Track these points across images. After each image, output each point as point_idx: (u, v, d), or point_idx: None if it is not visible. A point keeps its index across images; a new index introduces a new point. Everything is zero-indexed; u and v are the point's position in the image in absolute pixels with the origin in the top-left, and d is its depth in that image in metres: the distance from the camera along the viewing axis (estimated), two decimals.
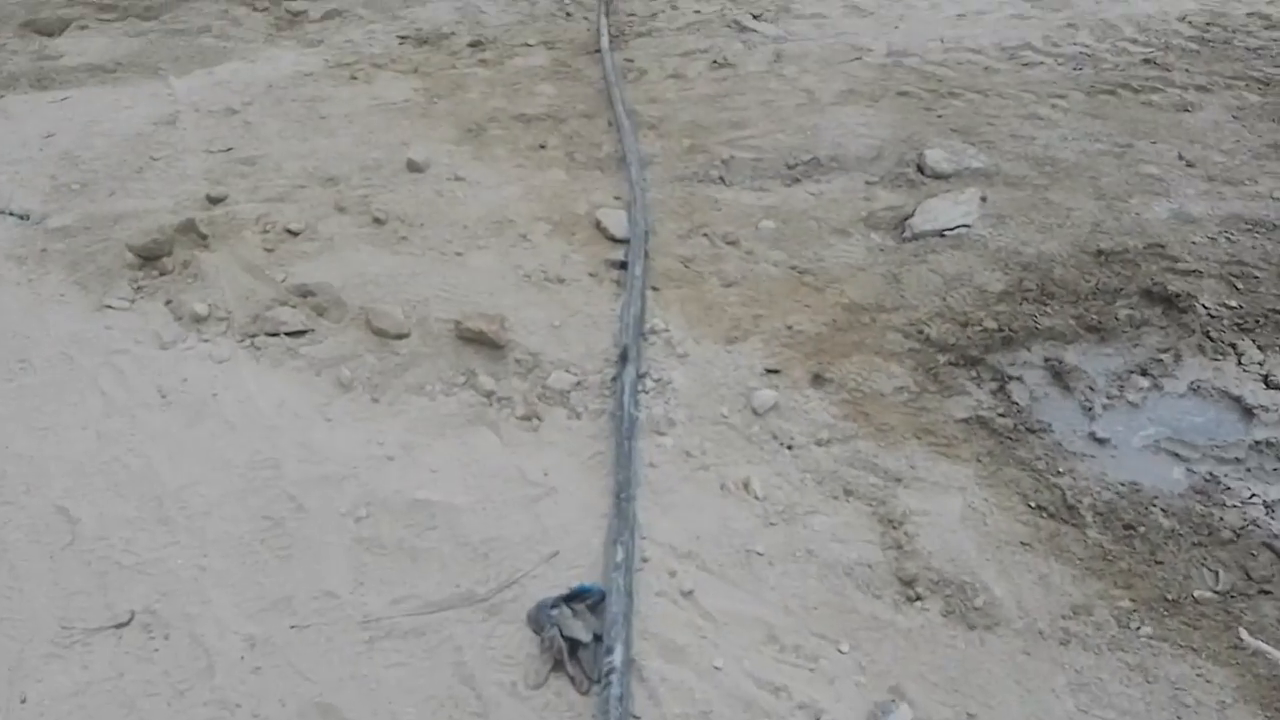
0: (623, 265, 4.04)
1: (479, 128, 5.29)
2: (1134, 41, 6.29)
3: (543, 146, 5.11)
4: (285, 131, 5.18)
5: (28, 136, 5.19)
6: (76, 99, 5.60)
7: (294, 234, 4.10)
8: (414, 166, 4.77)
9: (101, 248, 4.13)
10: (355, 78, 5.83)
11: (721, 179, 4.80)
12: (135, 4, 6.94)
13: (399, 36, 6.55)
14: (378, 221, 4.20)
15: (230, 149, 4.98)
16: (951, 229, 4.29)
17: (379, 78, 5.88)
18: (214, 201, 4.44)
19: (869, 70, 5.92)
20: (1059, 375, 3.50)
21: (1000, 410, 3.33)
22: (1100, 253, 4.12)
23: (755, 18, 6.74)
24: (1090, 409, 3.37)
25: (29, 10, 6.82)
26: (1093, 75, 5.79)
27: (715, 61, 6.07)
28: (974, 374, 3.49)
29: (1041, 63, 5.99)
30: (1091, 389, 3.45)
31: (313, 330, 3.64)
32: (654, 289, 3.93)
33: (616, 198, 4.58)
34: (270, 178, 4.70)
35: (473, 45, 6.45)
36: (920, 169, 4.80)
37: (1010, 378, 3.47)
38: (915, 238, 4.29)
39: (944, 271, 4.03)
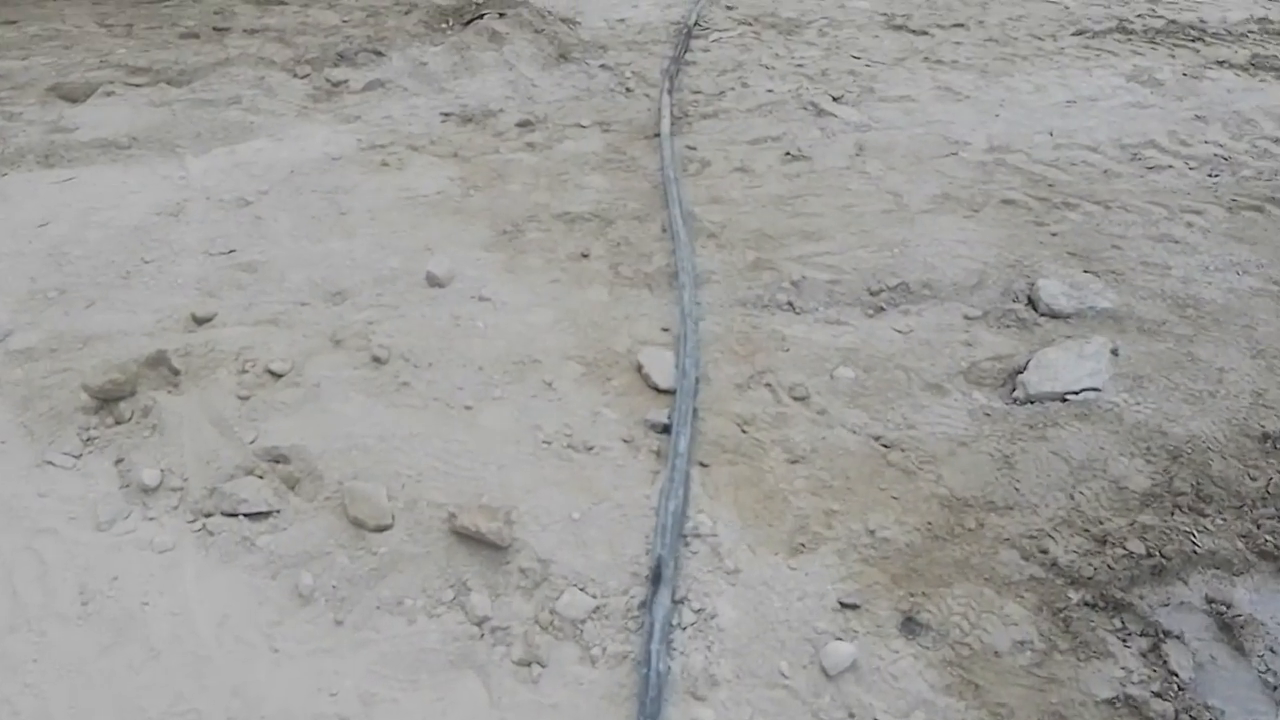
0: (666, 429, 3.24)
1: (515, 229, 4.55)
2: (1277, 141, 5.34)
3: (585, 255, 4.34)
4: (298, 230, 4.49)
5: (20, 224, 4.58)
6: (82, 180, 4.99)
7: (276, 375, 3.38)
8: (434, 280, 4.03)
9: (60, 380, 3.45)
10: (386, 164, 5.14)
11: (791, 305, 3.99)
12: (168, 68, 6.38)
13: (442, 114, 5.87)
14: (377, 361, 3.46)
15: (233, 251, 4.30)
16: (1076, 393, 3.41)
17: (413, 163, 5.19)
18: (199, 321, 3.75)
19: (966, 169, 5.06)
20: (1228, 628, 2.60)
21: (1155, 686, 2.44)
22: (1266, 437, 3.21)
23: (835, 100, 5.93)
24: (1275, 685, 2.46)
25: (59, 73, 6.30)
26: (1232, 184, 4.86)
27: (788, 153, 5.26)
28: (1118, 624, 2.60)
29: (1169, 166, 5.07)
30: (1273, 651, 2.54)
31: (278, 512, 2.89)
32: (702, 464, 3.11)
33: (664, 329, 3.79)
34: (269, 291, 4.00)
35: (521, 125, 5.74)
36: (1032, 304, 3.93)
37: (1166, 633, 2.57)
38: (1030, 400, 3.42)
39: (1070, 455, 3.15)
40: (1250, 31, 7.17)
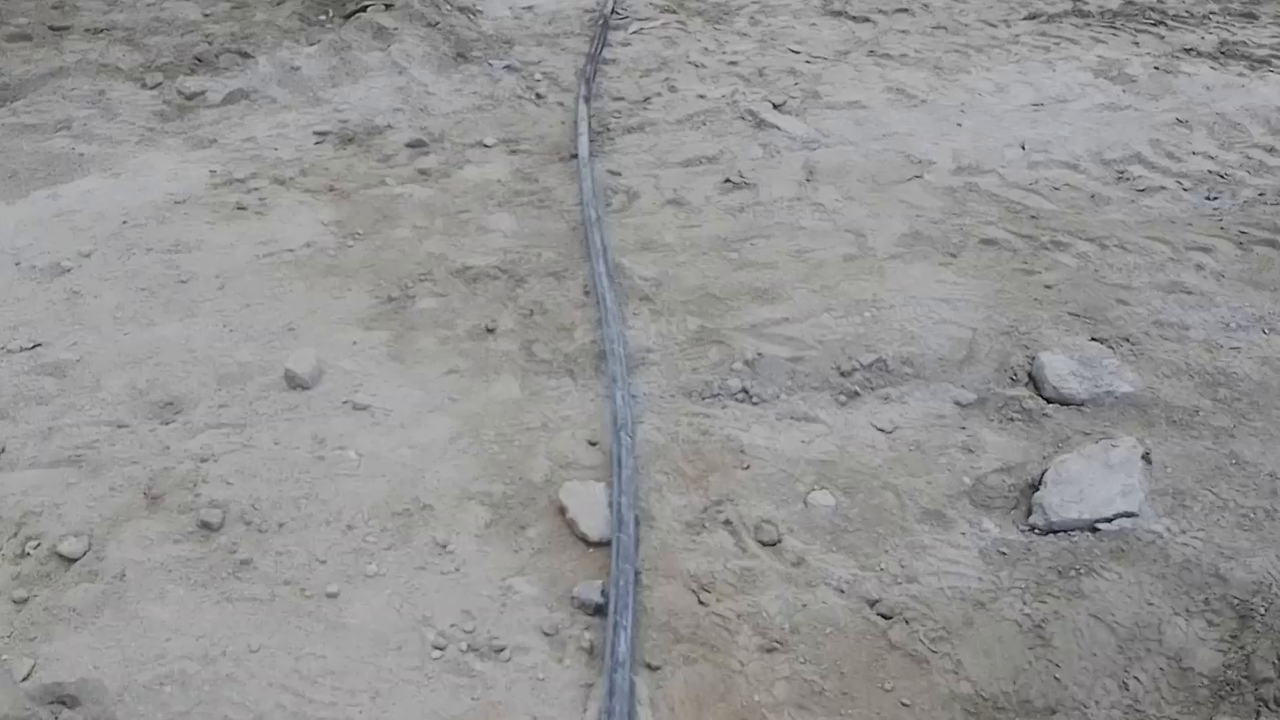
0: (599, 610, 2.42)
1: (404, 293, 3.65)
2: (1271, 151, 4.68)
3: (490, 330, 3.48)
4: (124, 308, 3.53)
5: None
6: None
7: (67, 562, 2.46)
8: (295, 381, 3.13)
9: None
10: (243, 207, 4.17)
11: (746, 393, 3.19)
12: None
13: (317, 133, 4.88)
14: (207, 528, 2.56)
15: (37, 345, 3.33)
16: (1109, 519, 2.68)
17: (277, 203, 4.22)
18: None
19: (935, 197, 4.28)
20: None
21: None
22: None
23: (776, 107, 5.09)
24: None
25: None
26: (1236, 211, 4.18)
27: (728, 180, 4.42)
28: None
29: (1161, 187, 4.37)
30: None
31: None
32: (649, 667, 2.31)
33: (592, 442, 2.95)
34: (78, 405, 3.05)
35: (413, 146, 4.79)
36: (1035, 384, 3.19)
37: None
38: (1052, 530, 2.68)
39: (1114, 618, 2.43)
40: (1212, 13, 6.51)
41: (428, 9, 6.09)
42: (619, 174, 4.54)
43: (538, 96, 5.35)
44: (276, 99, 5.25)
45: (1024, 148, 4.66)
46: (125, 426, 2.97)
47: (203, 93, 5.27)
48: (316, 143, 4.82)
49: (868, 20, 6.40)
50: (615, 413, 2.99)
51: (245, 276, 3.73)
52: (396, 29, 5.82)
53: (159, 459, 2.81)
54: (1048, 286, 3.65)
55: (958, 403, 3.14)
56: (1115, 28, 6.28)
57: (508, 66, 5.61)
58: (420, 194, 4.37)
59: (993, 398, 3.14)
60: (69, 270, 3.73)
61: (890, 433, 3.02)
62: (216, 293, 3.63)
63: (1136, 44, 6.03)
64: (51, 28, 6.02)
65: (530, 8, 6.51)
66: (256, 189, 4.35)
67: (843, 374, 3.24)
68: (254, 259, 3.83)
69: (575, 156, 4.66)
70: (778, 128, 4.89)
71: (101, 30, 5.96)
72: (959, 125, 4.90)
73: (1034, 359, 3.26)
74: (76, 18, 6.14)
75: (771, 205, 4.23)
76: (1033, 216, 4.12)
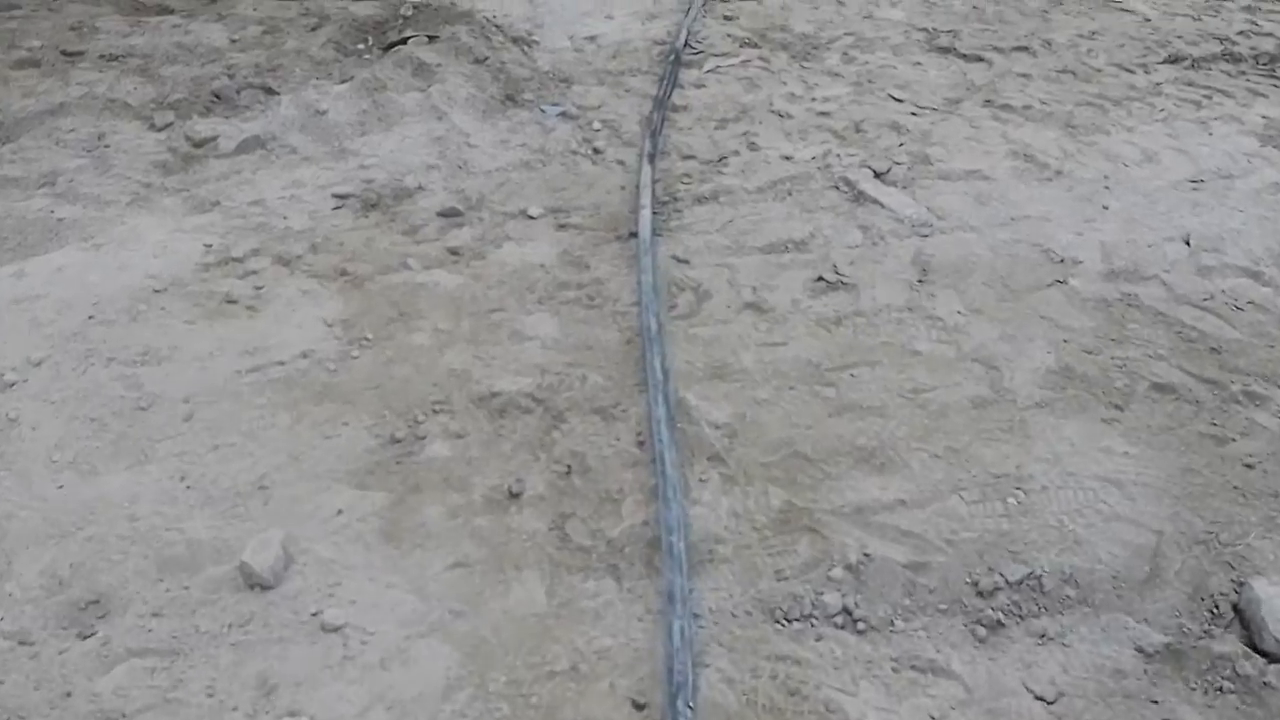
0: None
1: (412, 431, 2.86)
2: None
3: (514, 495, 2.66)
4: (65, 449, 2.78)
5: None
6: None
7: None
8: (252, 579, 2.34)
9: None
10: (233, 300, 3.41)
11: (849, 615, 2.33)
12: None
13: (336, 195, 4.10)
14: None
15: None
16: None
17: (276, 295, 3.45)
18: None
19: (1083, 313, 3.36)
20: None
21: None
22: None
23: (878, 176, 4.18)
24: None
25: None
26: None
27: (821, 277, 3.54)
28: None
29: None
30: None
31: None
32: None
33: (638, 706, 2.11)
34: None
35: (445, 215, 3.99)
36: (1247, 625, 2.27)
37: None
38: None
39: None
40: None
41: (477, 41, 5.27)
42: (686, 261, 3.68)
43: (595, 151, 4.50)
44: (297, 149, 4.48)
45: (1189, 243, 3.69)
46: (28, 644, 2.21)
47: (214, 139, 4.52)
48: (335, 208, 4.04)
49: (981, 59, 5.43)
50: (671, 657, 2.14)
51: (220, 402, 2.95)
52: (440, 66, 5.02)
53: (55, 713, 2.03)
54: (1248, 465, 2.71)
55: (1141, 650, 2.25)
56: (1276, 77, 5.23)
57: (563, 114, 4.77)
58: (448, 282, 3.56)
59: (1191, 651, 2.23)
60: (11, 385, 2.99)
61: (1053, 703, 2.14)
62: (181, 426, 2.86)
63: None
64: (64, 53, 5.34)
65: (593, 38, 5.66)
66: (254, 272, 3.58)
67: (981, 594, 2.36)
68: (234, 375, 3.05)
69: (635, 235, 3.82)
70: (880, 204, 3.98)
71: (116, 57, 5.26)
72: (1105, 208, 3.94)
73: (1242, 586, 2.34)
74: (93, 41, 5.45)
75: (875, 316, 3.34)
76: (1214, 349, 3.17)
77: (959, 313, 3.34)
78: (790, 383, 3.04)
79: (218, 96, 4.91)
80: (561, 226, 3.93)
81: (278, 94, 4.90)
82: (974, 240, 3.74)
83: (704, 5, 6.08)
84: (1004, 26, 5.89)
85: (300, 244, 3.78)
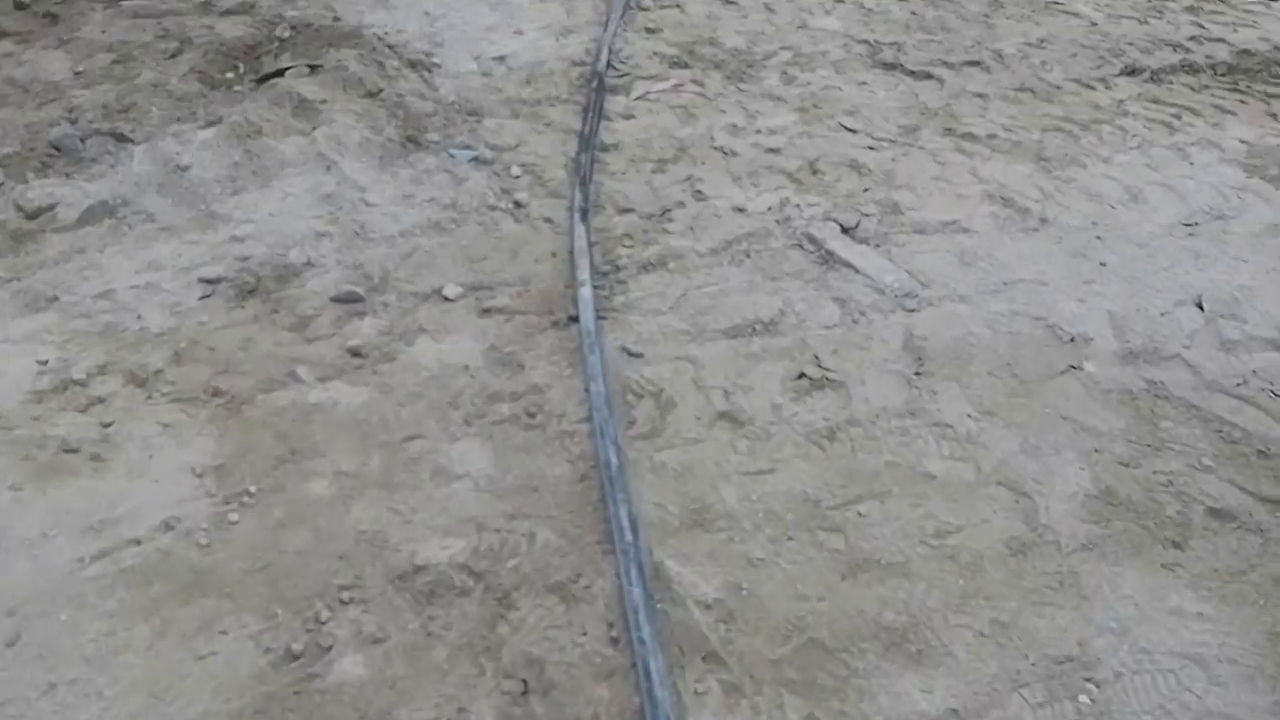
0: None
1: (313, 640, 2.18)
2: None
3: None
4: None
5: None
6: None
7: None
8: None
9: None
10: (73, 449, 2.63)
11: None
12: None
13: (204, 280, 3.32)
14: None
15: None
16: None
17: (129, 436, 2.69)
18: None
19: (1108, 409, 2.84)
20: None
21: None
22: None
23: (845, 231, 3.60)
24: None
25: None
26: None
27: (803, 374, 2.94)
28: None
29: None
30: None
31: None
32: None
33: None
34: None
35: (341, 300, 3.26)
36: None
37: None
38: None
39: None
40: None
41: (368, 69, 4.49)
42: (640, 355, 3.04)
43: (517, 205, 3.81)
44: (154, 216, 3.66)
45: (1202, 307, 3.22)
46: None
47: (52, 207, 3.67)
48: (203, 297, 3.26)
49: (931, 76, 4.89)
50: None
51: (56, 612, 2.20)
52: (325, 102, 4.23)
53: None
54: None
55: None
56: (1240, 90, 4.84)
57: (475, 158, 4.04)
58: (349, 400, 2.84)
59: None
60: None
61: None
62: (4, 656, 2.09)
63: (1275, 115, 4.59)
64: None
65: (502, 59, 4.92)
66: (101, 400, 2.80)
67: None
68: (75, 568, 2.30)
69: (575, 320, 3.15)
70: (854, 268, 3.40)
71: None
72: (1102, 265, 3.44)
73: None
74: None
75: (873, 425, 2.76)
76: (1261, 453, 2.69)
77: (969, 416, 2.78)
78: (787, 529, 2.44)
79: (57, 148, 4.03)
80: (486, 311, 3.24)
81: (131, 142, 4.05)
82: (968, 314, 3.19)
83: (623, 17, 5.39)
84: (947, 36, 5.36)
85: (160, 353, 3.00)
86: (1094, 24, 5.61)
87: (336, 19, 5.18)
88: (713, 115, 4.48)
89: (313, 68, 4.39)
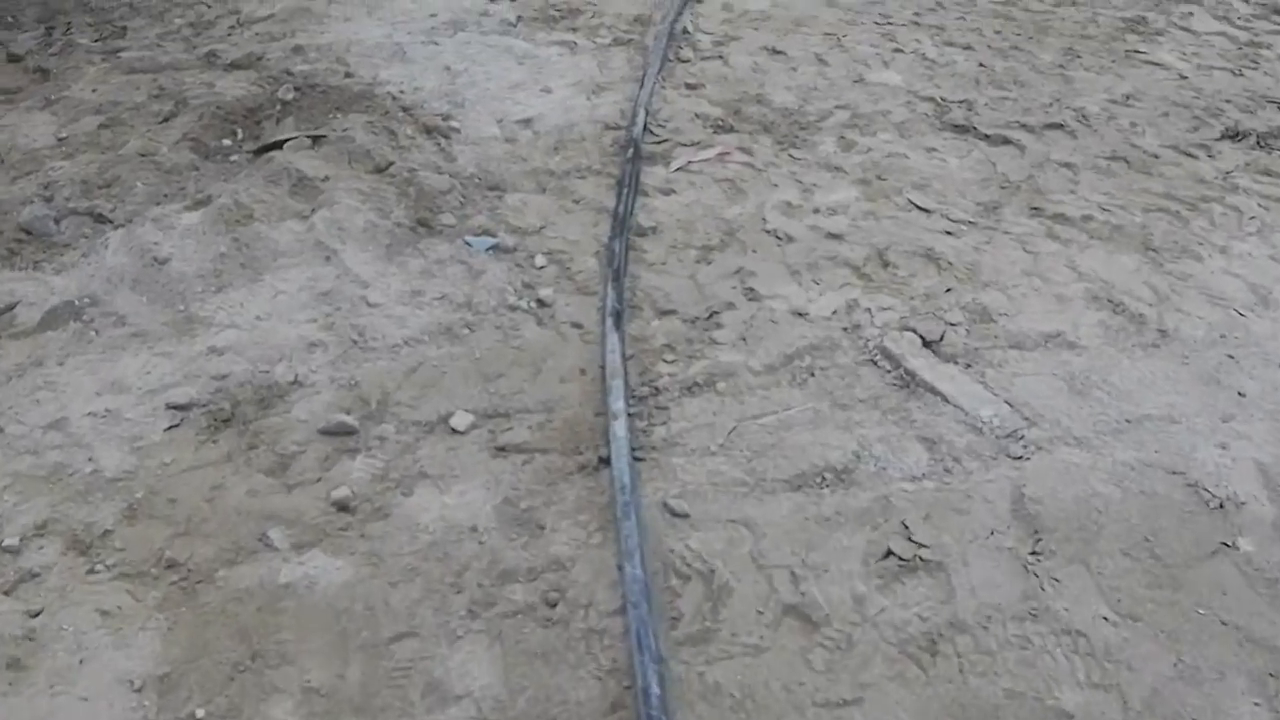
0: None
1: None
2: None
3: None
4: None
5: None
6: None
7: None
8: None
9: None
10: None
11: None
12: None
13: (173, 406, 2.77)
14: None
15: None
16: None
17: (66, 622, 2.17)
18: None
19: (1276, 609, 2.19)
20: None
21: None
22: None
23: (927, 344, 2.98)
24: None
25: None
26: None
27: (890, 552, 2.32)
28: None
29: None
30: None
31: None
32: None
33: None
34: None
35: (330, 433, 2.70)
36: None
37: None
38: None
39: None
40: None
41: (377, 138, 3.94)
42: (685, 515, 2.45)
43: (540, 305, 3.23)
44: (126, 318, 3.12)
45: None
46: None
47: (12, 307, 3.16)
48: (170, 427, 2.71)
49: (1008, 141, 4.27)
50: None
51: None
52: (328, 179, 3.68)
53: None
54: None
55: None
56: None
57: (494, 245, 3.48)
58: (329, 578, 2.28)
59: None
60: None
61: None
62: None
63: None
64: None
65: (528, 122, 4.36)
66: (35, 575, 2.27)
67: None
68: None
69: (606, 463, 2.56)
70: (940, 394, 2.79)
71: None
72: (1241, 396, 2.80)
73: None
74: None
75: (984, 632, 2.15)
76: None
77: (1104, 619, 2.16)
78: None
79: (28, 231, 3.53)
80: (500, 450, 2.66)
81: (109, 223, 3.53)
82: (1088, 466, 2.56)
83: (661, 72, 4.82)
84: (1022, 91, 4.74)
85: (112, 505, 2.45)
86: (1183, 77, 4.97)
87: (348, 75, 4.65)
88: (763, 189, 3.88)
89: (315, 139, 3.85)
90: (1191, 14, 5.68)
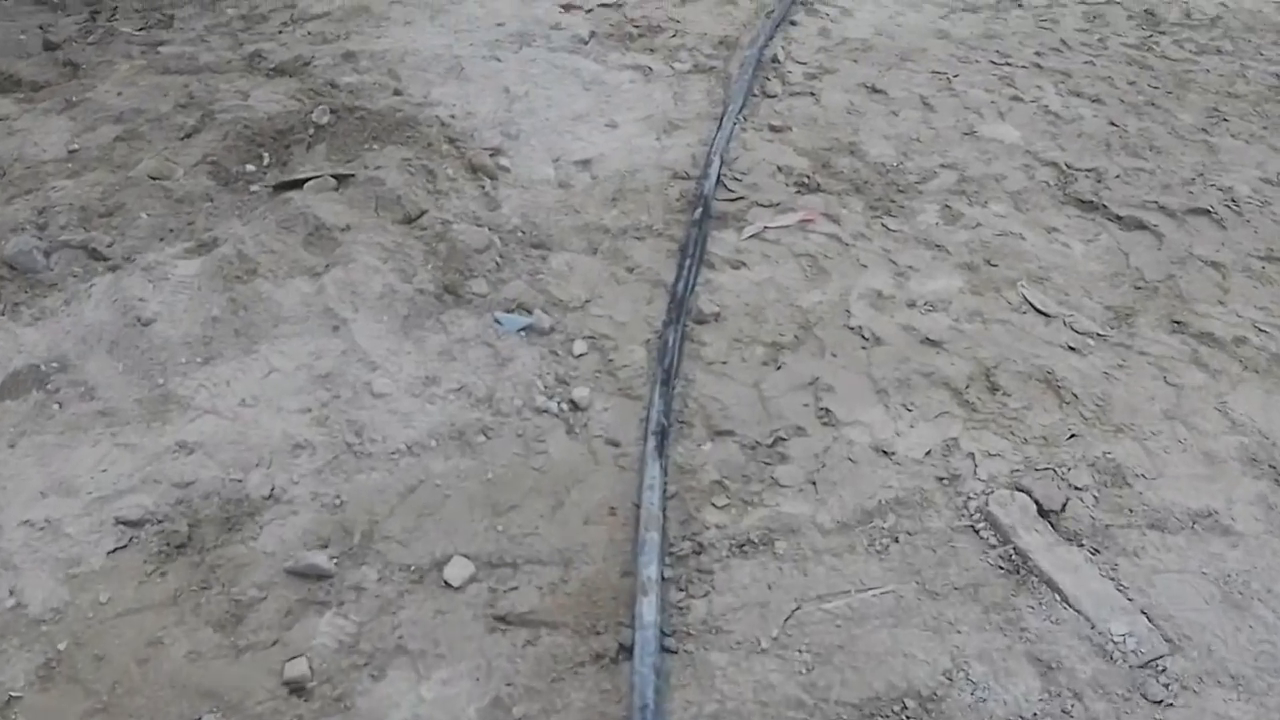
0: None
1: None
2: None
3: None
4: None
5: None
6: None
7: None
8: None
9: None
10: None
11: None
12: None
13: (123, 522, 2.28)
14: None
15: None
16: None
17: None
18: None
19: None
20: None
21: None
22: None
23: (1045, 513, 2.33)
24: None
25: None
26: None
27: None
28: None
29: None
30: None
31: None
32: None
33: None
34: None
35: (299, 577, 2.18)
36: None
37: None
38: None
39: None
40: None
41: (413, 179, 3.41)
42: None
43: (573, 408, 2.67)
44: (95, 390, 2.65)
45: None
46: None
47: None
48: (115, 549, 2.22)
49: (1143, 226, 3.57)
50: None
51: None
52: (348, 229, 3.16)
53: None
54: None
55: None
56: None
57: (528, 327, 2.91)
58: None
59: None
60: None
61: None
62: None
63: None
64: None
65: (587, 163, 3.79)
66: None
67: None
68: None
69: (626, 653, 2.00)
70: (1060, 593, 2.16)
71: None
72: None
73: None
74: None
75: None
76: None
77: None
78: None
79: (13, 266, 3.07)
80: (500, 620, 2.11)
81: (103, 261, 3.06)
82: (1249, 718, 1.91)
83: (743, 110, 4.19)
84: (1159, 160, 4.00)
85: (26, 661, 1.99)
86: None
87: (397, 92, 4.12)
88: (850, 270, 3.25)
89: (341, 178, 3.32)
90: None
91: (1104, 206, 3.68)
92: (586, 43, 4.74)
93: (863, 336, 2.96)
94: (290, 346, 2.80)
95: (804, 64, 4.70)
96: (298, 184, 3.30)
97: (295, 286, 2.96)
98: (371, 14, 4.99)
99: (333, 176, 3.28)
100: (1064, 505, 2.35)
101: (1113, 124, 4.27)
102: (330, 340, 2.83)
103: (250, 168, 3.59)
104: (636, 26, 4.95)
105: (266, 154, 3.67)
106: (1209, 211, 3.66)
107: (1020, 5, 5.58)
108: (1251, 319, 3.11)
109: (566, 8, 5.09)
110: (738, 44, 4.86)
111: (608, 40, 4.79)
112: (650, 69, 4.52)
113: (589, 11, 5.10)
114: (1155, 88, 4.62)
